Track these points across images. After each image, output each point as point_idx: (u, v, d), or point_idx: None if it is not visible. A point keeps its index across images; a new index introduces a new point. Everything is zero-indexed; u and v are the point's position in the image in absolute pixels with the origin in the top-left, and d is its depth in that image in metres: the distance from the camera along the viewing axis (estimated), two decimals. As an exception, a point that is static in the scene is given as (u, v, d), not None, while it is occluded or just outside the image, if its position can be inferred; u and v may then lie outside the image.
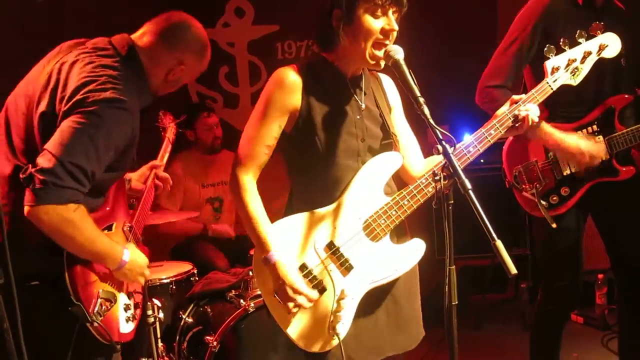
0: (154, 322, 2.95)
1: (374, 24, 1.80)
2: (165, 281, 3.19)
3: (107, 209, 2.01)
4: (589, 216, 2.63)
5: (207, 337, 2.82)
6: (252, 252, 3.21)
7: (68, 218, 1.71)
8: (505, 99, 2.02)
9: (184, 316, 3.06)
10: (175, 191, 3.99)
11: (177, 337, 3.04)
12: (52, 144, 1.71)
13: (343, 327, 1.86)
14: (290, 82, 1.87)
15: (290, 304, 1.83)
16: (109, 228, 2.00)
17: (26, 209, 1.68)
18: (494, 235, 1.51)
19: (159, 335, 2.98)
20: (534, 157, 2.56)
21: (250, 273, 2.88)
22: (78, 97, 1.75)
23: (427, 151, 2.07)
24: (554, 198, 2.52)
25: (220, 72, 4.36)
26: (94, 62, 1.84)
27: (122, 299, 2.01)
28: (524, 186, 2.54)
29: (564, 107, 2.50)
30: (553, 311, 2.66)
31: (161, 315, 2.98)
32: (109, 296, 1.89)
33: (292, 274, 1.83)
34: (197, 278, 3.32)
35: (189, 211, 3.80)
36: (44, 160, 1.69)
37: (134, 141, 1.89)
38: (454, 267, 1.60)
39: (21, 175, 1.71)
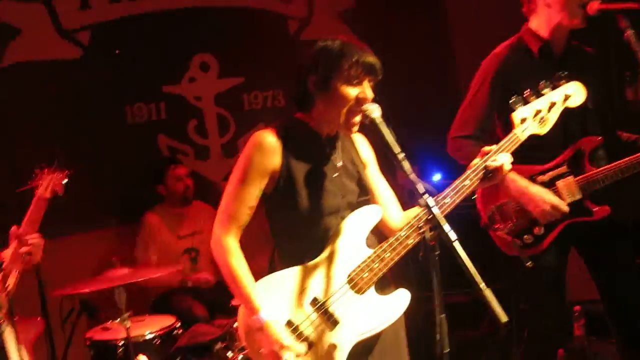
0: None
1: (350, 92, 1.85)
2: (149, 336, 3.14)
3: None
4: (571, 249, 2.62)
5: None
6: (233, 303, 3.21)
7: None
8: (475, 148, 2.06)
9: (172, 371, 3.00)
10: (149, 243, 3.97)
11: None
12: None
13: (332, 381, 1.86)
14: (269, 144, 1.89)
15: None
16: None
17: None
18: (482, 282, 1.54)
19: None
20: (507, 197, 2.54)
21: (235, 325, 2.86)
22: None
23: (398, 192, 2.13)
24: (528, 237, 2.52)
25: (190, 125, 4.37)
26: None
27: None
28: (497, 226, 2.55)
29: (527, 150, 2.52)
30: (541, 349, 2.65)
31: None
32: None
33: (280, 332, 1.84)
34: (180, 331, 3.27)
35: (170, 265, 3.71)
36: None
37: None
38: (444, 315, 1.63)
39: None
